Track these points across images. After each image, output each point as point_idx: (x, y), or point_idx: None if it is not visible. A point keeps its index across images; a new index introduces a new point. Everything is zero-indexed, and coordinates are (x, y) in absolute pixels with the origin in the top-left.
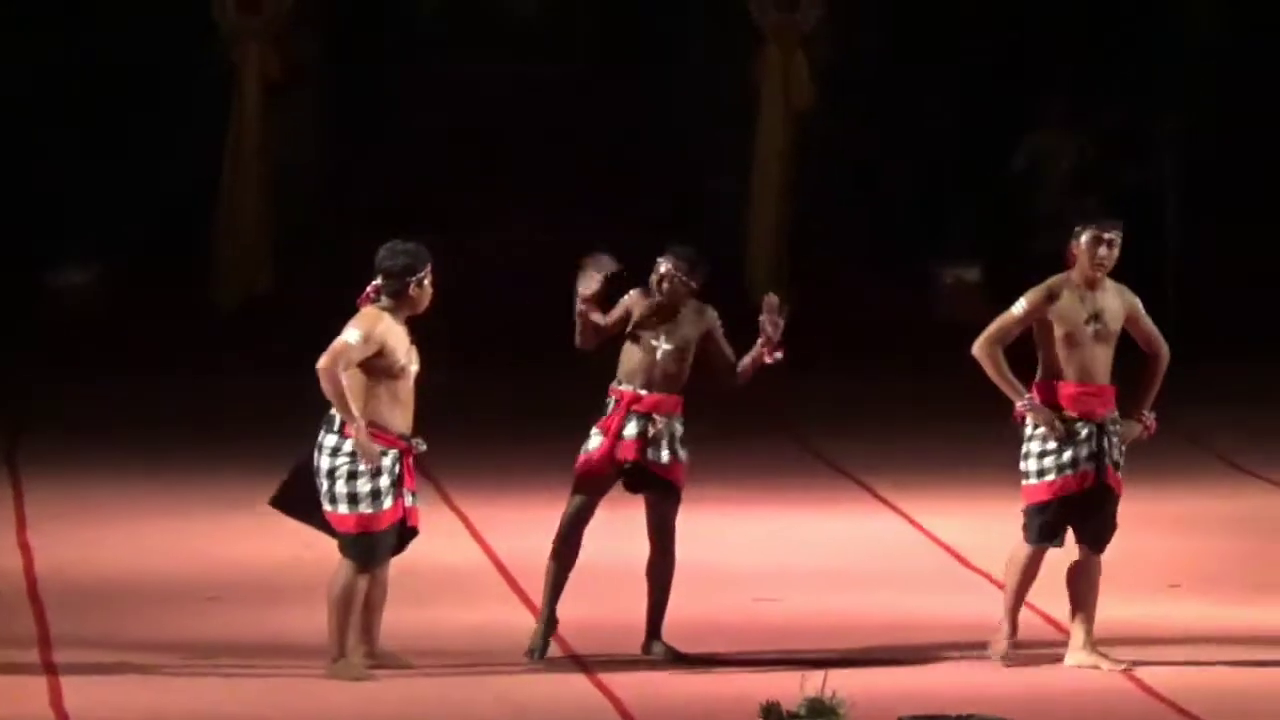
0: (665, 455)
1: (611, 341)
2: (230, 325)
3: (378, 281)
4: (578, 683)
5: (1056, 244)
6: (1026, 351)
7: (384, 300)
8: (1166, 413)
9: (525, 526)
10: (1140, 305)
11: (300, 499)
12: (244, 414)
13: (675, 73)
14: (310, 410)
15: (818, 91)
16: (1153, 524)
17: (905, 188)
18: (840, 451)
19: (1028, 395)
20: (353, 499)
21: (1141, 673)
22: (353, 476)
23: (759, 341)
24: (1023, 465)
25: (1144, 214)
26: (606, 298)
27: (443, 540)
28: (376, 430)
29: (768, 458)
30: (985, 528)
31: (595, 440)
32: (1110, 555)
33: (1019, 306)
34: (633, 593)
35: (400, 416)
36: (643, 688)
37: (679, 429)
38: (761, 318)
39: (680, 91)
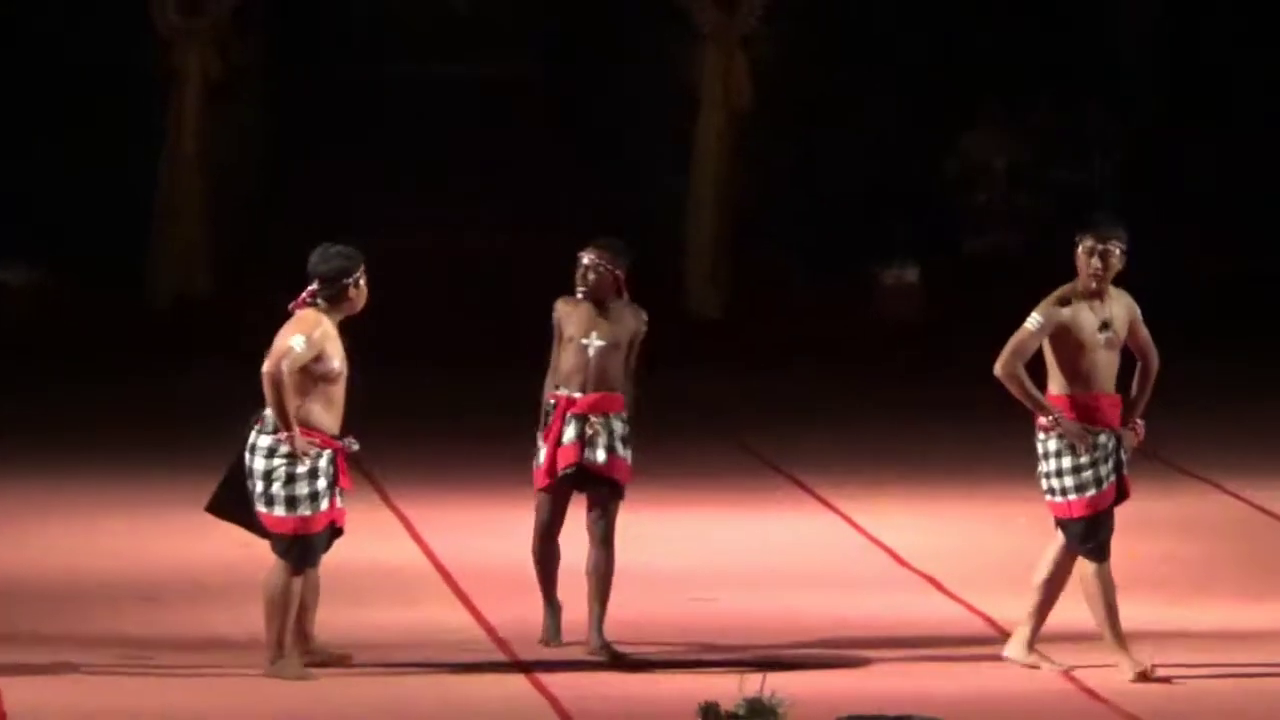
0: (602, 455)
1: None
2: (167, 327)
3: (313, 286)
4: (516, 682)
5: (993, 243)
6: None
7: (321, 304)
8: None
9: (463, 526)
10: (1139, 313)
11: (236, 503)
12: (180, 415)
13: (615, 73)
14: (245, 409)
15: (757, 92)
16: None
17: (844, 188)
18: (779, 451)
19: (1057, 410)
20: (291, 501)
21: (1082, 674)
22: (291, 479)
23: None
24: (1051, 482)
25: (1078, 213)
26: None
27: (381, 540)
28: (309, 432)
29: (706, 457)
30: (924, 528)
31: (541, 453)
32: None
33: (1034, 321)
34: (573, 593)
35: (332, 418)
36: (581, 688)
37: (619, 427)
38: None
39: (620, 92)
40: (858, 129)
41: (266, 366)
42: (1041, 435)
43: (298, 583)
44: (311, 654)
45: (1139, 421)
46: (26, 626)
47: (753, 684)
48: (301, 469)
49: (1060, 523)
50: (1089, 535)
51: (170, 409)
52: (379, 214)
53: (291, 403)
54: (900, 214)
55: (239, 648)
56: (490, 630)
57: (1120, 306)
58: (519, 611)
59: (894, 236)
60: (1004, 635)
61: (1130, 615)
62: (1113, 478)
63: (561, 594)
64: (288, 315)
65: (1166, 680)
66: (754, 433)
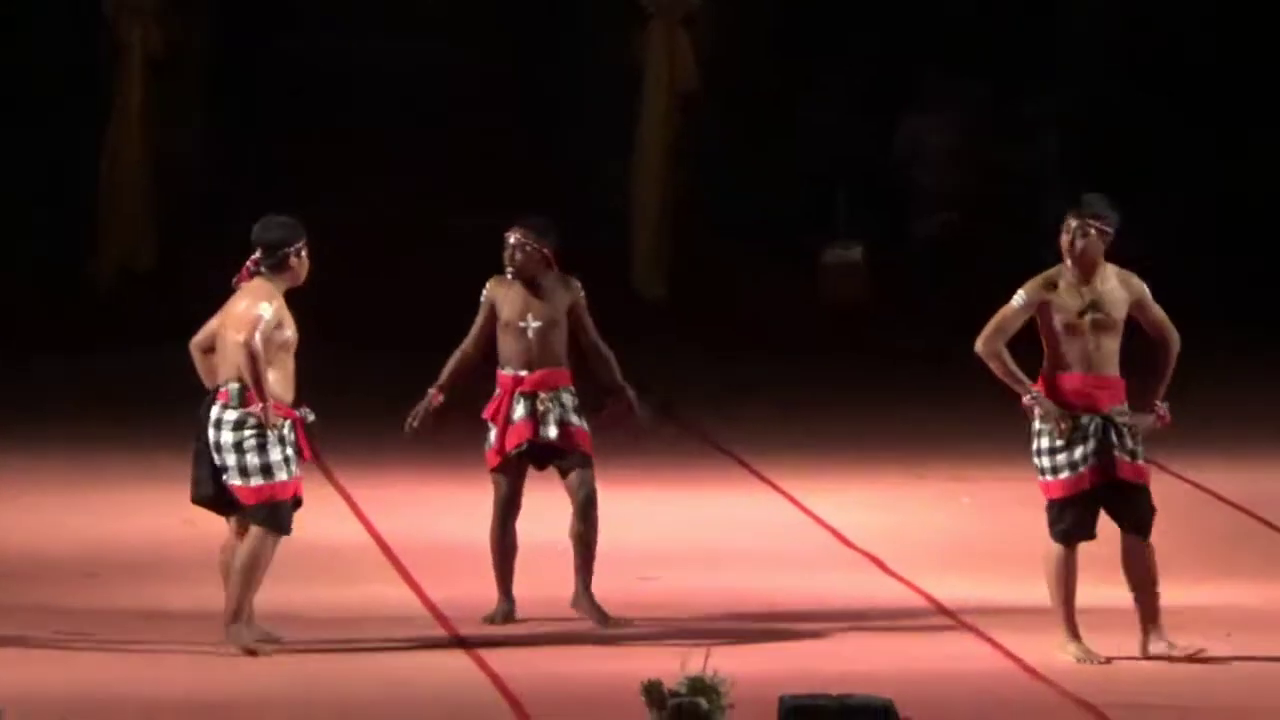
0: (554, 430)
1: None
2: (111, 301)
3: (256, 255)
4: (458, 660)
5: (936, 224)
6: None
7: (264, 272)
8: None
9: (406, 505)
10: (1147, 292)
11: (212, 486)
12: (123, 390)
13: (559, 52)
14: (189, 386)
15: (701, 72)
16: (1035, 505)
17: (788, 169)
18: (722, 431)
19: (1035, 390)
20: (267, 469)
21: (1021, 651)
22: (263, 447)
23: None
24: (1035, 460)
25: (1023, 193)
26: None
27: (324, 518)
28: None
29: (650, 437)
30: (867, 507)
31: (492, 433)
32: (993, 534)
33: (1018, 299)
34: (517, 573)
35: (287, 388)
36: (523, 666)
37: (569, 400)
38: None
39: (563, 71)
40: (801, 109)
41: (243, 337)
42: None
43: (272, 548)
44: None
45: (1160, 405)
46: None
47: (695, 662)
48: (271, 436)
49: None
50: (1058, 518)
51: (112, 384)
52: (322, 190)
53: (267, 373)
54: (844, 194)
55: (181, 622)
56: (432, 608)
57: (1115, 287)
58: (461, 589)
59: (837, 216)
60: (946, 614)
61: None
62: (1091, 461)
63: (518, 571)
64: (232, 288)
65: (1108, 661)
66: (698, 412)
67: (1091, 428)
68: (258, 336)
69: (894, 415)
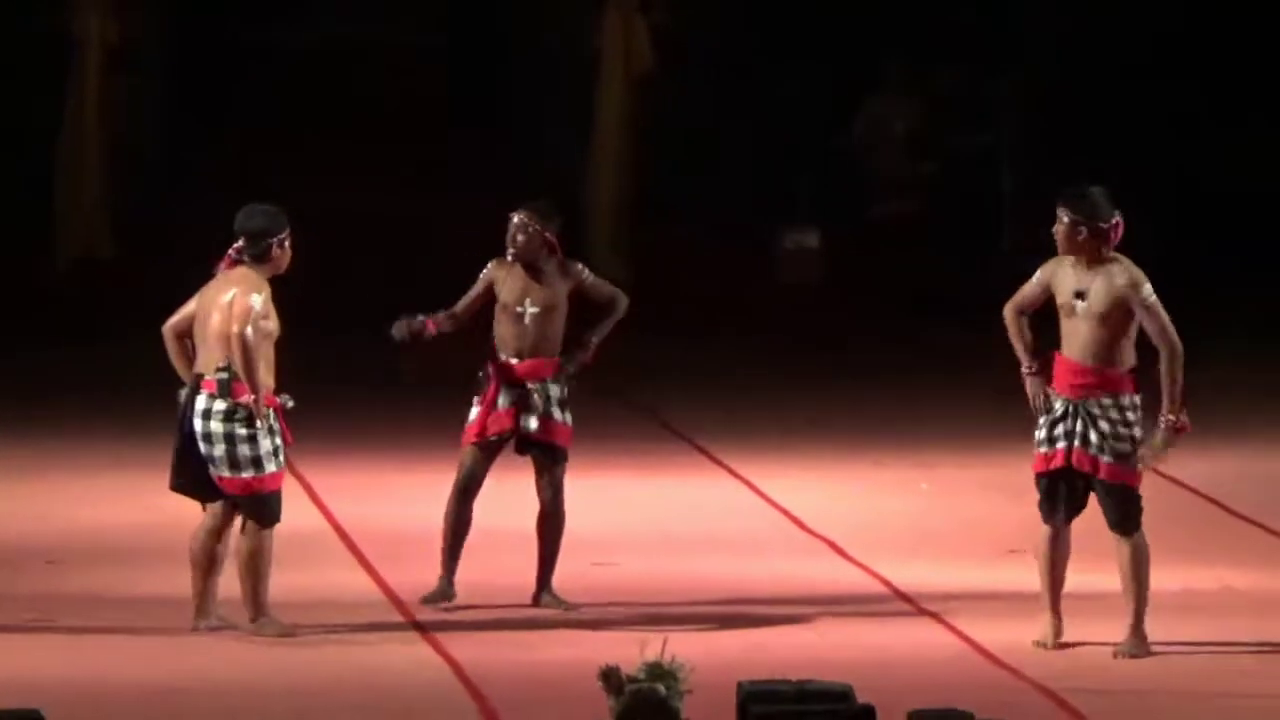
0: (535, 423)
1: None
2: (69, 291)
3: (239, 243)
4: (417, 646)
5: (894, 208)
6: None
7: (247, 262)
8: (1002, 384)
9: (365, 491)
10: (1140, 296)
11: (193, 475)
12: (82, 380)
13: (515, 36)
14: (146, 376)
15: (657, 56)
16: (994, 490)
17: (745, 153)
18: (679, 415)
19: (1028, 364)
20: (257, 462)
21: (978, 635)
22: (253, 439)
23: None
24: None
25: (980, 179)
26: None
27: (283, 505)
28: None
29: (606, 422)
30: (824, 492)
31: (473, 412)
32: (952, 520)
33: (1036, 274)
34: (477, 558)
35: (269, 375)
36: (482, 652)
37: (555, 391)
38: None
39: (520, 56)
40: (759, 93)
41: (236, 329)
42: None
43: (270, 540)
44: (204, 615)
45: (1167, 416)
46: None
47: (654, 648)
48: (260, 427)
49: None
50: (1040, 493)
51: (71, 373)
52: (279, 178)
53: (259, 364)
54: (802, 179)
55: (142, 608)
56: (390, 594)
57: (1108, 281)
58: (419, 576)
59: (795, 201)
60: (904, 599)
61: (1022, 578)
62: (1062, 444)
63: (477, 557)
64: (211, 274)
65: (1068, 646)
66: (655, 397)
67: (1061, 412)
68: (250, 329)
69: (852, 400)
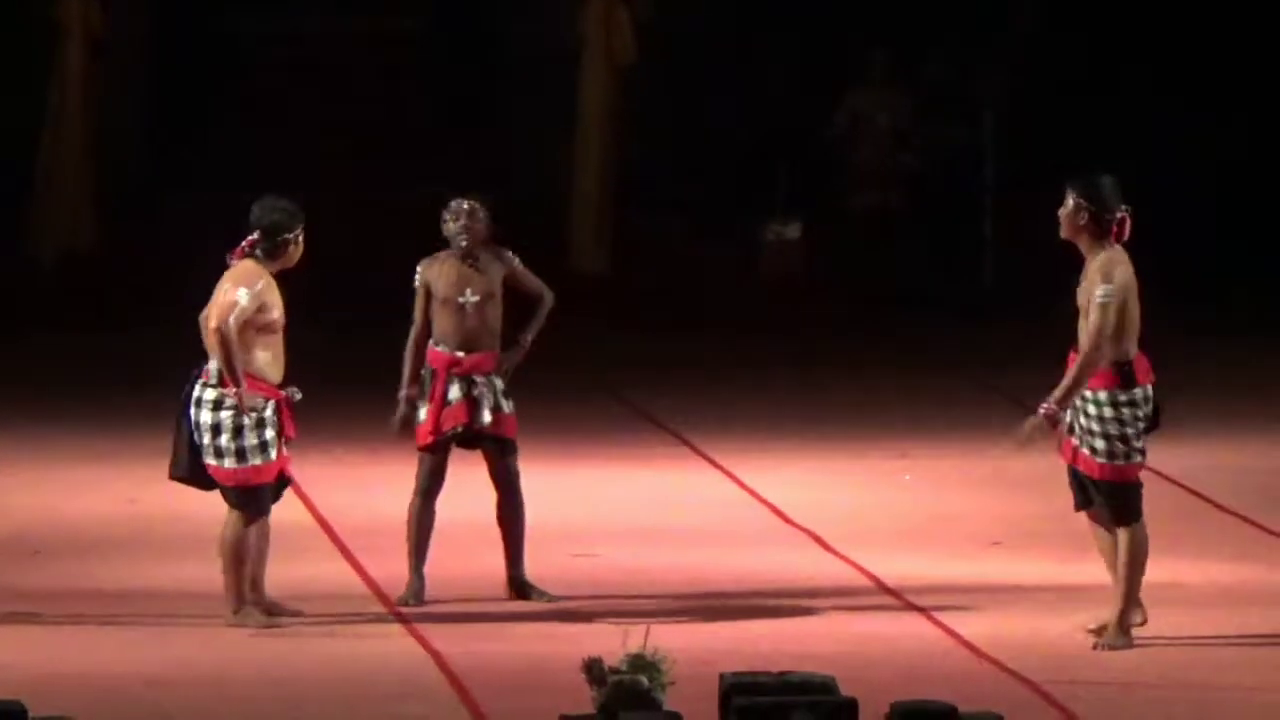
0: (487, 416)
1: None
2: (51, 282)
3: (253, 237)
4: (400, 638)
5: (876, 201)
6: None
7: (259, 255)
8: (985, 377)
9: (347, 483)
10: (1095, 295)
11: (190, 463)
12: (64, 370)
13: (497, 26)
14: (129, 368)
15: (640, 47)
16: (976, 482)
17: (727, 145)
18: (662, 408)
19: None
20: (241, 453)
21: (961, 628)
22: (239, 431)
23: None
24: None
25: (963, 172)
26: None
27: None
28: (255, 382)
29: (589, 414)
30: (807, 484)
31: (423, 411)
32: (935, 512)
33: None
34: (454, 550)
35: (275, 368)
36: (464, 644)
37: (500, 383)
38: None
39: (502, 45)
40: (743, 84)
41: (214, 322)
42: None
43: (252, 532)
44: (260, 606)
45: (1046, 405)
46: None
47: (636, 640)
48: (248, 420)
49: None
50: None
51: (54, 366)
52: (260, 170)
53: (239, 357)
54: (785, 171)
55: (126, 600)
56: (373, 586)
57: (1088, 274)
58: (401, 568)
59: (778, 193)
60: (887, 591)
61: (1004, 570)
62: (1066, 437)
63: (440, 551)
64: (225, 266)
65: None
66: (637, 389)
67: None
68: (231, 321)
69: (834, 392)
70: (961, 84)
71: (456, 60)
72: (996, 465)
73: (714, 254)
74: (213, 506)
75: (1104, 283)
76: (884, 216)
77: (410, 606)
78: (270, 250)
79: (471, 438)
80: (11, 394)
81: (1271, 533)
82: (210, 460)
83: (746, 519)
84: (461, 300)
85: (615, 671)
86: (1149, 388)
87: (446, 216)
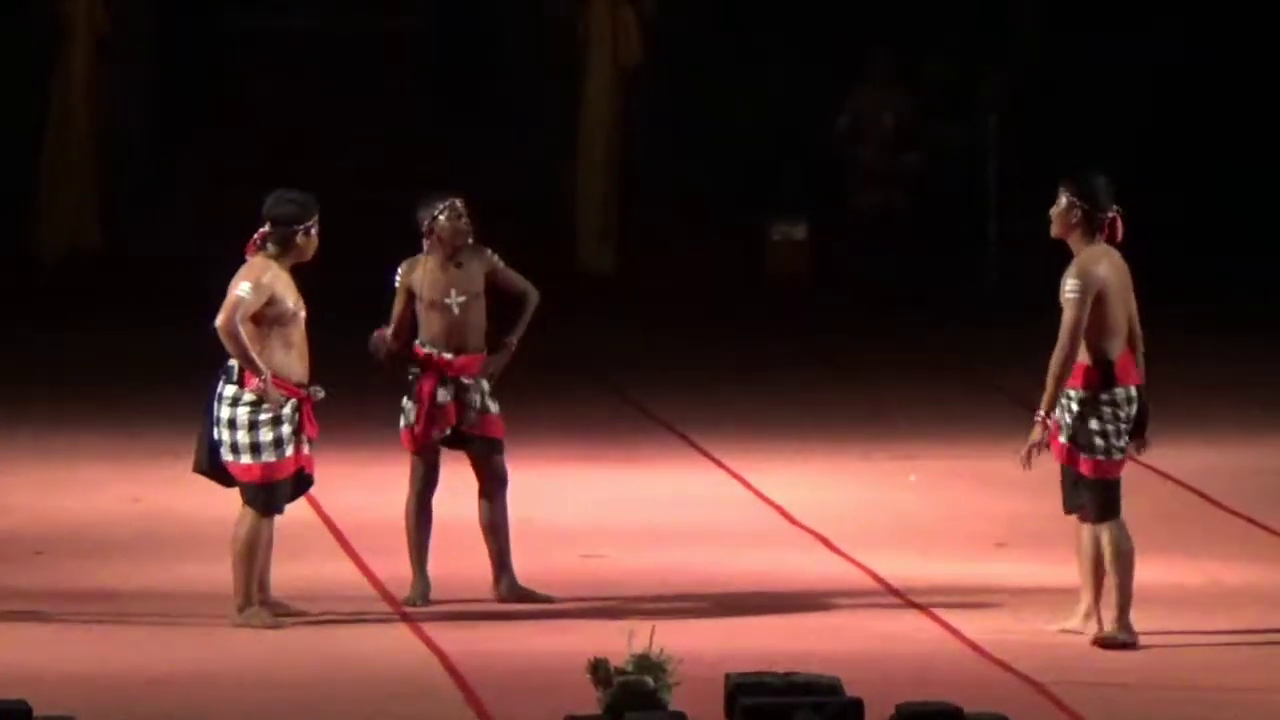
0: (474, 416)
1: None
2: (56, 280)
3: (265, 229)
4: (404, 637)
5: (880, 201)
6: None
7: (270, 248)
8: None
9: (350, 482)
10: (1063, 290)
11: (214, 460)
12: (69, 369)
13: (504, 27)
14: (134, 367)
15: (646, 47)
16: (980, 484)
17: (732, 144)
18: (668, 407)
19: None
20: (255, 448)
21: (966, 628)
22: (254, 426)
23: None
24: None
25: (966, 172)
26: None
27: None
28: (274, 379)
29: (595, 414)
30: (814, 485)
31: (411, 412)
32: (939, 514)
33: None
34: (460, 549)
35: (297, 363)
36: (470, 643)
37: (486, 385)
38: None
39: (509, 46)
40: (748, 85)
41: (218, 320)
42: None
43: (266, 530)
44: (266, 605)
45: (1036, 414)
46: None
47: (641, 640)
48: (265, 415)
49: None
50: None
51: (55, 365)
52: (262, 167)
53: (253, 348)
54: (790, 170)
55: (130, 599)
56: (378, 585)
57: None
58: (407, 566)
59: (783, 193)
60: (892, 592)
61: (1009, 572)
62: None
63: (444, 550)
64: (241, 259)
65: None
66: (644, 389)
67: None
68: (233, 317)
69: (839, 392)
70: (963, 84)
71: (461, 58)
72: (1001, 466)
73: (720, 254)
74: (213, 507)
75: (1073, 278)
76: (887, 216)
77: (417, 607)
78: (280, 242)
79: (460, 439)
80: (13, 393)
81: (1273, 532)
82: (228, 457)
83: (752, 519)
84: (448, 301)
85: (621, 672)
86: (1132, 389)
87: (441, 214)
